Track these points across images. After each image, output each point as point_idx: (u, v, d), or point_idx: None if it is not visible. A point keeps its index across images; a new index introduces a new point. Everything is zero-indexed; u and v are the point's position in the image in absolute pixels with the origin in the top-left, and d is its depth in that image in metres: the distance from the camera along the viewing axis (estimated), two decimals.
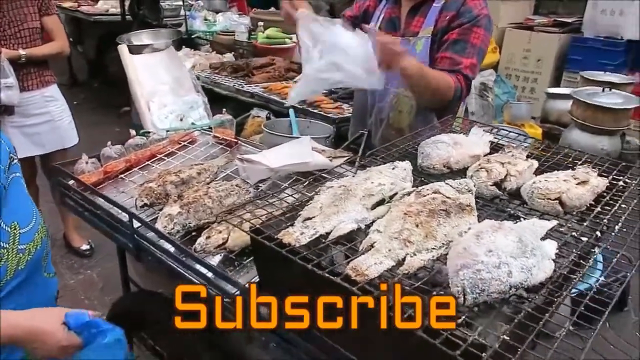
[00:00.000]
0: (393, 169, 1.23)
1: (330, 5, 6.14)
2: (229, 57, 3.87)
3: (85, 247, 3.34)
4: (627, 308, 2.90)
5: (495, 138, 1.58)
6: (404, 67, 1.65)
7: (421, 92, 1.83)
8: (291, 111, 2.35)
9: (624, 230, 1.08)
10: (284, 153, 1.62)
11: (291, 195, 1.24)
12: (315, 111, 2.76)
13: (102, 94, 6.10)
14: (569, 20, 5.24)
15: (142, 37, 4.13)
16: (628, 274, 0.98)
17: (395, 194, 1.15)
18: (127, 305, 1.78)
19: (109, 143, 1.83)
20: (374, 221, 1.07)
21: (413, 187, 1.20)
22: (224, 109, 2.09)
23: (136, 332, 1.79)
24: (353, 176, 1.24)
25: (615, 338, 2.70)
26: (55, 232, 3.48)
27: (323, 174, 1.46)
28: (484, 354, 0.74)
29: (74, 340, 1.11)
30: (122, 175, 1.75)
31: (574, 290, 0.93)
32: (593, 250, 1.05)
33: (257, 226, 1.07)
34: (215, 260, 1.38)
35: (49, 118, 2.98)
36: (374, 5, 1.97)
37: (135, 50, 3.15)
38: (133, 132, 1.95)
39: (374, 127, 2.01)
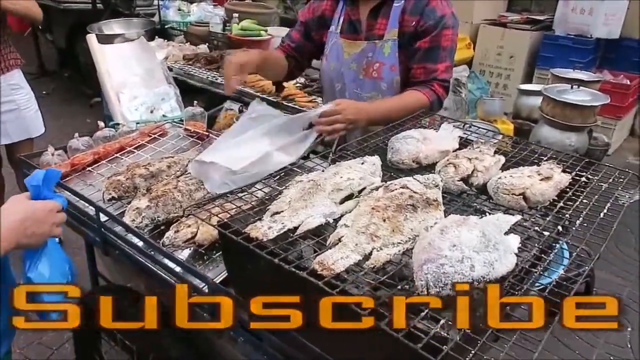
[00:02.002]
0: (362, 163, 1.24)
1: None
2: (203, 48, 3.82)
3: None
4: None
5: (465, 133, 1.61)
6: (368, 122, 1.70)
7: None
8: (264, 104, 2.32)
9: (585, 225, 1.11)
10: (242, 153, 1.48)
11: (261, 190, 1.23)
12: (289, 105, 2.75)
13: (73, 85, 5.96)
14: (541, 17, 5.34)
15: (113, 27, 4.04)
16: (587, 266, 1.01)
17: (364, 188, 1.16)
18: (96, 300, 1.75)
19: (76, 135, 1.79)
20: (342, 215, 1.08)
21: (382, 182, 1.21)
22: (195, 101, 2.06)
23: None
24: (322, 171, 1.24)
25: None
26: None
27: (294, 168, 1.46)
28: (444, 347, 0.75)
29: (51, 203, 1.10)
30: (89, 168, 1.72)
31: (538, 284, 0.96)
32: (554, 244, 1.07)
33: (225, 220, 1.06)
34: (184, 254, 1.37)
35: (14, 107, 2.89)
36: (330, 9, 1.92)
37: (106, 40, 3.08)
38: (101, 123, 1.91)
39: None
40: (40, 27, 5.96)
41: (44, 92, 5.76)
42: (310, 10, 1.98)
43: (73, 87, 5.94)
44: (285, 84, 2.89)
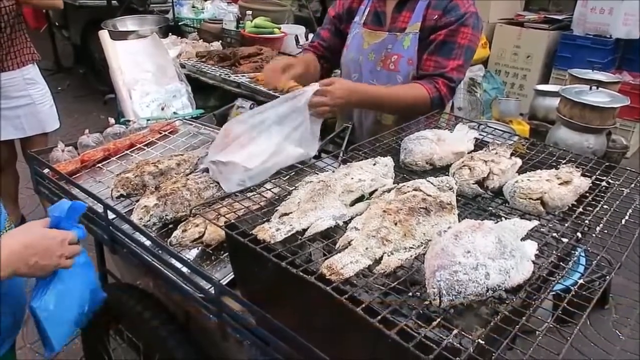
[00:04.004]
0: (374, 164, 1.21)
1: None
2: (216, 45, 3.79)
3: None
4: (608, 306, 2.92)
5: (480, 135, 1.57)
6: (357, 104, 1.70)
7: (392, 113, 1.87)
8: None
9: (605, 231, 1.07)
10: (256, 149, 1.51)
11: (270, 190, 1.21)
12: None
13: (88, 81, 5.99)
14: (559, 17, 5.24)
15: (127, 23, 4.04)
16: (607, 276, 0.97)
17: (375, 190, 1.13)
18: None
19: (87, 131, 1.78)
20: (352, 218, 1.05)
21: (394, 183, 1.18)
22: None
23: (113, 324, 1.76)
24: (333, 171, 1.21)
25: (594, 335, 2.73)
26: (36, 219, 3.41)
27: (305, 168, 1.43)
28: (457, 359, 0.72)
29: (65, 233, 1.08)
30: (99, 165, 1.71)
31: (556, 287, 0.92)
32: (573, 251, 1.03)
33: (232, 221, 1.04)
34: (192, 254, 1.35)
35: (30, 101, 2.93)
36: (358, 1, 1.93)
37: (120, 36, 3.07)
38: (112, 120, 1.90)
39: (357, 122, 1.99)
40: (57, 24, 6.00)
41: (59, 89, 5.80)
42: (340, 4, 1.98)
43: (88, 84, 5.97)
44: (294, 82, 2.86)
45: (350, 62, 1.93)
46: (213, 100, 3.24)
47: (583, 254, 1.13)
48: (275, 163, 1.48)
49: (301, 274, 0.86)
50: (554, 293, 0.92)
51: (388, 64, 1.82)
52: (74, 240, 1.11)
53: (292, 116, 1.54)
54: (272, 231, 0.97)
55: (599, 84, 2.81)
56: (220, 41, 3.86)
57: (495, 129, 1.64)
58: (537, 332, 0.79)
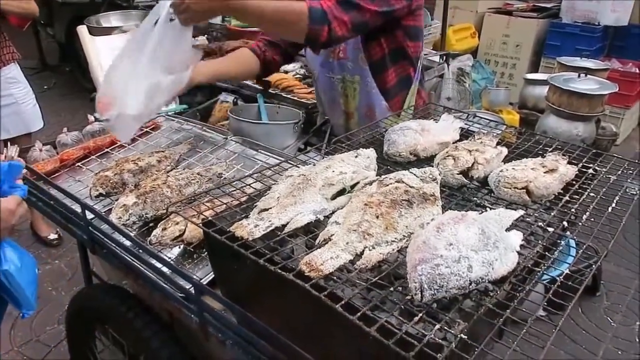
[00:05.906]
0: (356, 157, 1.18)
1: None
2: (202, 40, 3.74)
3: (53, 236, 3.25)
4: (599, 293, 2.92)
5: (466, 124, 1.54)
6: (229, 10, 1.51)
7: (265, 27, 1.74)
8: (259, 96, 2.26)
9: (592, 220, 1.05)
10: (135, 90, 1.45)
11: (250, 185, 1.17)
12: (287, 96, 2.69)
13: (74, 79, 5.91)
14: (548, 5, 5.23)
15: (111, 19, 3.98)
16: (594, 265, 0.95)
17: (358, 183, 1.10)
18: (88, 299, 1.71)
19: (65, 129, 1.74)
20: (334, 212, 1.02)
21: (378, 175, 1.15)
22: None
23: (99, 325, 1.73)
24: (314, 165, 1.18)
25: (586, 323, 2.73)
26: (22, 221, 3.37)
27: (290, 161, 1.40)
28: (439, 355, 0.70)
29: (11, 202, 1.10)
30: (79, 164, 1.67)
31: (545, 277, 0.90)
32: (559, 241, 1.01)
33: (210, 218, 1.01)
34: (174, 252, 1.32)
35: (12, 101, 2.88)
36: None
37: (103, 32, 3.00)
38: (91, 117, 1.85)
39: (329, 115, 1.99)
40: (41, 22, 5.90)
41: (45, 87, 5.72)
42: None
43: (74, 82, 5.89)
44: (282, 75, 2.83)
45: (311, 60, 1.94)
46: (200, 95, 3.19)
47: (573, 244, 1.11)
48: (158, 102, 1.50)
49: (279, 271, 0.83)
50: (545, 281, 0.90)
51: (337, 53, 1.81)
52: (20, 201, 1.13)
53: (155, 40, 1.43)
54: (251, 227, 0.94)
55: (588, 71, 2.80)
56: (206, 35, 3.80)
57: (483, 118, 1.61)
58: (525, 324, 0.77)
